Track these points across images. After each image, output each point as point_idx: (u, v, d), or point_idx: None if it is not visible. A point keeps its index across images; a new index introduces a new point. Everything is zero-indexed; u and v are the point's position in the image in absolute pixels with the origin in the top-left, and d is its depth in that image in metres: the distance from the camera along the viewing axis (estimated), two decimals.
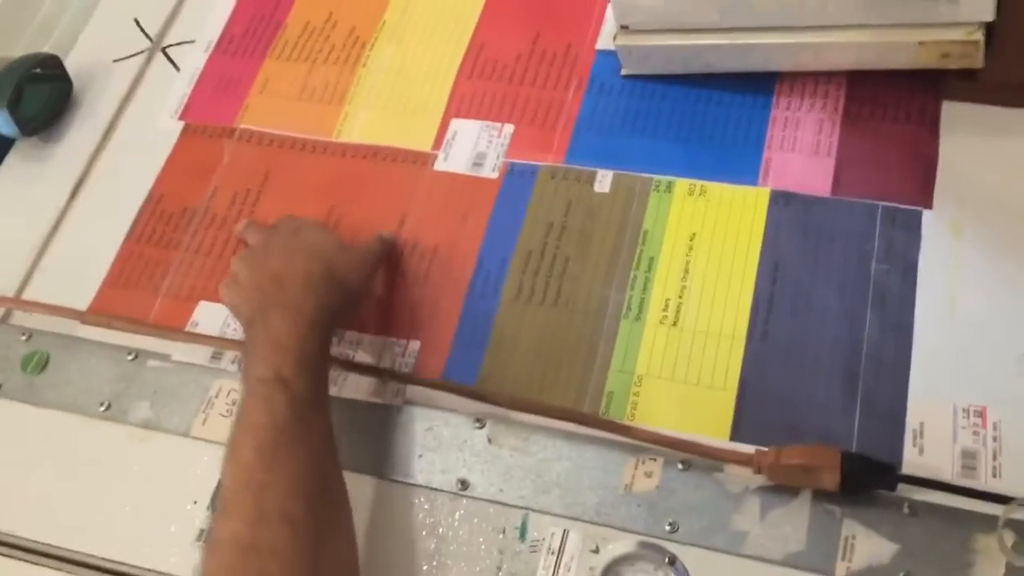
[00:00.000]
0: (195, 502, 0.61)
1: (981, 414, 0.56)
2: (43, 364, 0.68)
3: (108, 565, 0.61)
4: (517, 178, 0.69)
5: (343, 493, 0.54)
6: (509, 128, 0.71)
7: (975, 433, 0.55)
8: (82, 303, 0.71)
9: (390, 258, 0.67)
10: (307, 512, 0.50)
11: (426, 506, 0.59)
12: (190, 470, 0.62)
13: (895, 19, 0.60)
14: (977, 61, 0.60)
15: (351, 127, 0.75)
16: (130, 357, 0.67)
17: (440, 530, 0.58)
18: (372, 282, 0.64)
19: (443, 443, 0.61)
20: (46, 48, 0.84)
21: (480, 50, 0.75)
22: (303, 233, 0.63)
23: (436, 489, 0.59)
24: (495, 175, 0.70)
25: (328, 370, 0.58)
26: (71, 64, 0.81)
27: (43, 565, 0.61)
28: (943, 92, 0.65)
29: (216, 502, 0.51)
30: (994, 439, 0.55)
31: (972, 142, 0.63)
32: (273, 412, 0.52)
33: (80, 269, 0.72)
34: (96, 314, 0.70)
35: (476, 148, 0.71)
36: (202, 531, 0.60)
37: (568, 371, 0.62)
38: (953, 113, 0.65)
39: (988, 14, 0.58)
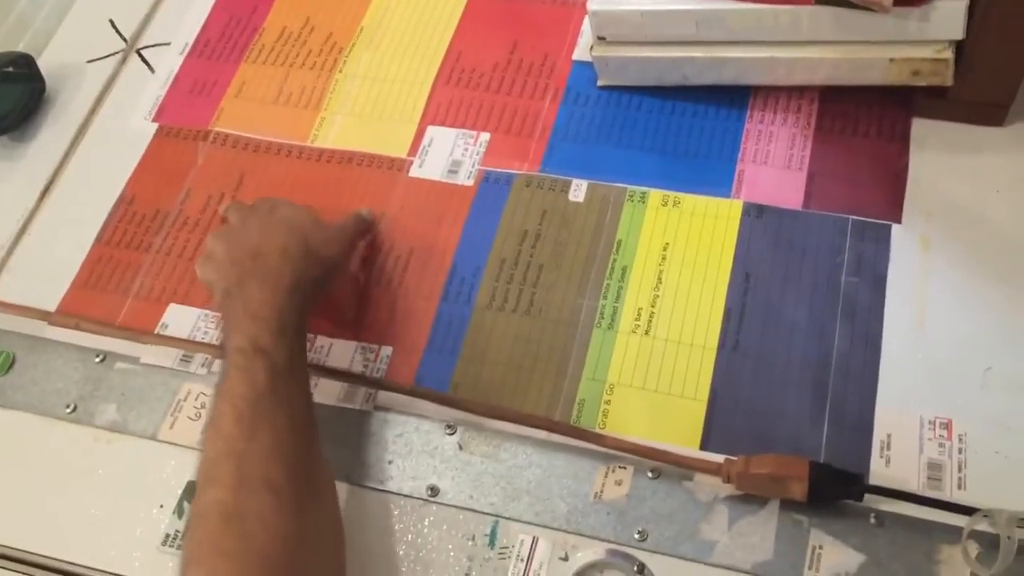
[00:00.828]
0: (161, 506, 0.61)
1: (947, 426, 0.56)
2: (8, 364, 0.68)
3: (72, 569, 0.60)
4: (492, 186, 0.69)
5: (323, 461, 0.54)
6: (485, 136, 0.71)
7: (941, 445, 0.56)
8: (50, 304, 0.70)
9: (370, 240, 0.68)
10: (289, 478, 0.50)
11: (395, 512, 0.59)
12: (157, 473, 0.62)
13: (867, 36, 0.61)
14: (947, 79, 0.61)
15: (327, 132, 0.74)
16: (98, 359, 0.67)
17: (409, 536, 0.58)
18: (348, 258, 0.65)
19: (414, 449, 0.60)
20: (19, 47, 0.83)
21: (457, 58, 0.76)
22: (279, 210, 0.63)
23: (406, 495, 0.59)
24: (470, 182, 0.70)
25: (306, 341, 0.58)
26: (44, 64, 0.81)
27: (4, 568, 0.61)
28: (913, 109, 0.66)
29: (197, 474, 0.51)
30: (960, 451, 0.56)
31: (941, 158, 0.64)
32: (252, 381, 0.52)
33: (49, 270, 0.72)
34: (64, 315, 0.69)
35: (452, 155, 0.71)
36: (168, 535, 0.60)
37: (540, 379, 0.62)
38: (923, 130, 0.66)
39: (958, 33, 0.59)
